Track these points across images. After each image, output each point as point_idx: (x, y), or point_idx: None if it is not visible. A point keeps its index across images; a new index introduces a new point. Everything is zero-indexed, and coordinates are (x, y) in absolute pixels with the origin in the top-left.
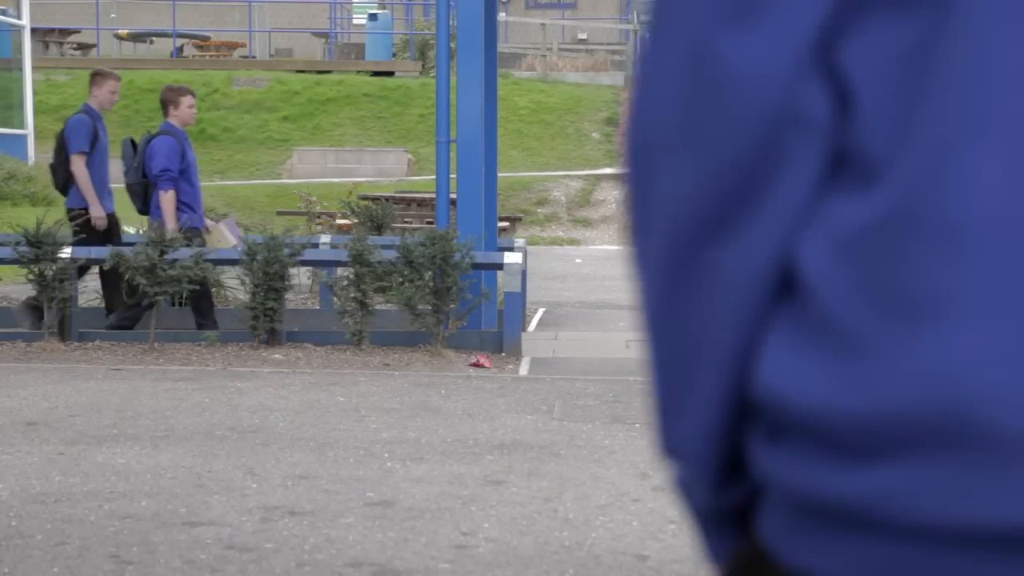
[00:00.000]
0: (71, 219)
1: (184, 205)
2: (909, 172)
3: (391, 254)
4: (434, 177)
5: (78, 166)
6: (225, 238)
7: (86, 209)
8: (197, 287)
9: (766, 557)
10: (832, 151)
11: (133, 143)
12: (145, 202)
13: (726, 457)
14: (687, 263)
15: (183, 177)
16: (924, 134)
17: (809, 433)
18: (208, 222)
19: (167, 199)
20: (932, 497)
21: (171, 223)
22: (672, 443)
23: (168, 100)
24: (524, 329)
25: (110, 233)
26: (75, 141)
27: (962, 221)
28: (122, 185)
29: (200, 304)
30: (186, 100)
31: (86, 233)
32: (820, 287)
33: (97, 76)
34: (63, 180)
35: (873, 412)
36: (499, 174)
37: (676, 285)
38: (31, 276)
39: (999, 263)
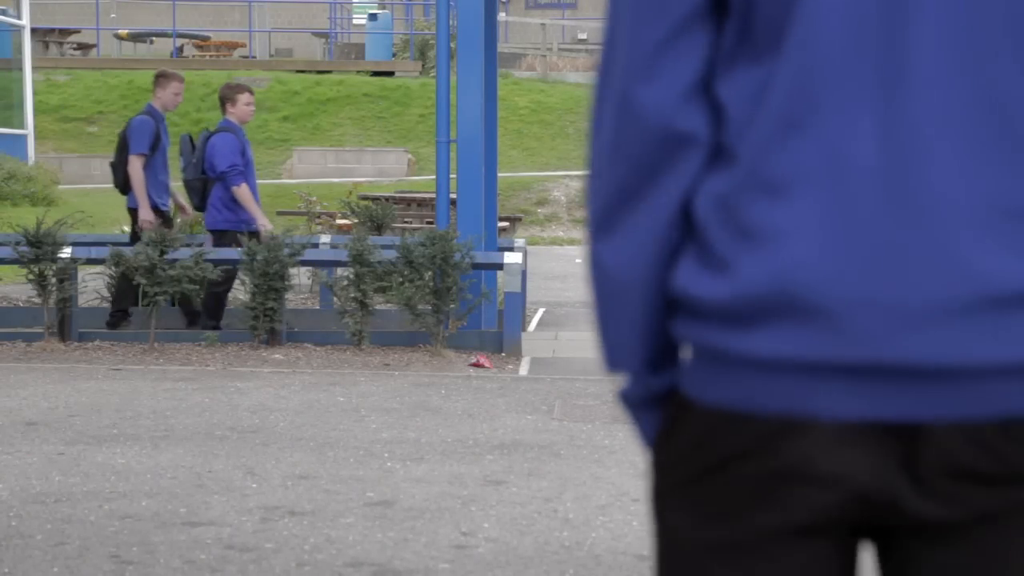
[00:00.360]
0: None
1: (236, 204)
2: (750, 153)
3: (391, 254)
4: (434, 177)
5: (135, 167)
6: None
7: (157, 209)
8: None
9: (688, 405)
10: (713, 147)
11: (191, 139)
12: (203, 199)
13: (652, 350)
14: (620, 218)
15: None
16: (760, 131)
17: (706, 312)
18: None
19: (242, 193)
20: (779, 341)
21: (257, 214)
22: (614, 355)
23: (226, 97)
24: (524, 329)
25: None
26: (136, 142)
27: (780, 182)
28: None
29: (206, 304)
30: (243, 97)
31: (134, 232)
32: (704, 226)
33: (161, 77)
34: (123, 179)
35: (737, 298)
36: (499, 174)
37: (614, 230)
38: (31, 276)
39: (803, 207)
